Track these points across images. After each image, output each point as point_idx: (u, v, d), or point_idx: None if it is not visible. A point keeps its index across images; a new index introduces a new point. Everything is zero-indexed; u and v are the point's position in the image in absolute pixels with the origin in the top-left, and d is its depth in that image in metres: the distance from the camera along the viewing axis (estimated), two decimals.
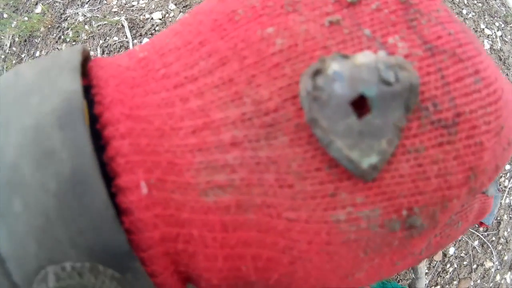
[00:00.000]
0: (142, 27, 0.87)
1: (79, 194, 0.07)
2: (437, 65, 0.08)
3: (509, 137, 0.09)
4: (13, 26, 1.01)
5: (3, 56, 1.01)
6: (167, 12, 0.87)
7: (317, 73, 0.07)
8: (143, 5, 0.88)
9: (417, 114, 0.07)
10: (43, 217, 0.07)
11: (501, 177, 0.79)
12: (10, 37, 1.03)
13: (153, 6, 0.87)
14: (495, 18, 0.88)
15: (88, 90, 0.08)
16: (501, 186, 0.79)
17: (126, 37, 0.87)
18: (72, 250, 0.07)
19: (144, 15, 0.86)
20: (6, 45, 1.02)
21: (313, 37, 0.08)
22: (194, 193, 0.07)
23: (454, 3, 0.86)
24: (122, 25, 0.86)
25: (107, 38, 0.89)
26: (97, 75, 0.08)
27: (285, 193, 0.07)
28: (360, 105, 0.07)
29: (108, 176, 0.07)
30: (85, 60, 0.09)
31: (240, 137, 0.07)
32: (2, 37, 1.03)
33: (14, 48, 1.02)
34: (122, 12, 0.89)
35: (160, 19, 0.86)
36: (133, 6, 0.88)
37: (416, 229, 0.08)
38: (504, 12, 0.89)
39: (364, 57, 0.07)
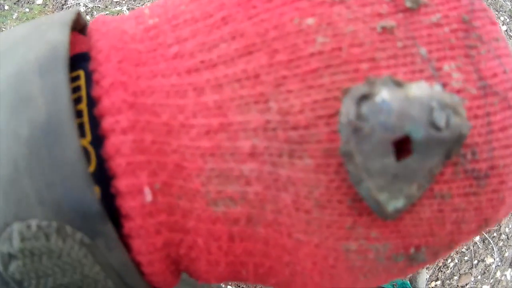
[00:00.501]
0: None
1: (51, 143, 0.06)
2: (487, 108, 0.07)
3: None
4: (14, 17, 1.00)
5: None
6: None
7: (363, 98, 0.06)
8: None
9: (454, 161, 0.07)
10: (12, 166, 0.06)
11: None
12: (11, 28, 1.03)
13: None
14: (501, 12, 0.87)
15: (86, 59, 0.07)
16: None
17: None
18: (39, 206, 0.06)
19: (146, 5, 0.86)
20: None
21: (361, 43, 0.06)
22: (203, 201, 0.07)
23: None
24: None
25: None
26: (97, 45, 0.07)
27: (300, 216, 0.07)
28: (400, 144, 0.06)
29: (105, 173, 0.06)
30: (83, 27, 0.08)
31: (261, 148, 0.07)
32: (3, 29, 1.02)
33: None
34: (123, 2, 0.88)
35: None
36: None
37: (417, 261, 0.08)
38: (510, 7, 0.88)
39: (419, 90, 0.06)
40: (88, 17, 0.90)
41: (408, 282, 0.63)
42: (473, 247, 0.75)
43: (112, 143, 0.06)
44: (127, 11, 0.86)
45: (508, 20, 0.87)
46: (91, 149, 0.06)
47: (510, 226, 0.78)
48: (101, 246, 0.07)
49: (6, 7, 1.05)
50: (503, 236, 0.78)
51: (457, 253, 0.74)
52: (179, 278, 0.09)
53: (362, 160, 0.06)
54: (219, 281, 0.08)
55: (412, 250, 0.08)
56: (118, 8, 0.88)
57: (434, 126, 0.06)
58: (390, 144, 0.06)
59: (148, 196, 0.06)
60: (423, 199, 0.07)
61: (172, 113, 0.07)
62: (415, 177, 0.06)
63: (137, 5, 0.87)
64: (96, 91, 0.07)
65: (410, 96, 0.06)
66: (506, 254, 0.78)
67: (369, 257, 0.08)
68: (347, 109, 0.06)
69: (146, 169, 0.06)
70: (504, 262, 0.78)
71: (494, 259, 0.77)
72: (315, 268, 0.08)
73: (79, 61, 0.07)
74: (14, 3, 1.04)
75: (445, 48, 0.07)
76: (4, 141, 0.06)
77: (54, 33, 0.07)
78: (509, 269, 0.78)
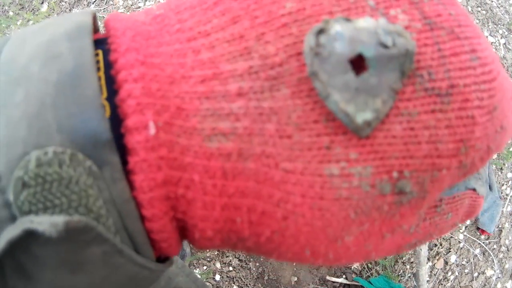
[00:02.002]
0: None
1: (75, 84, 0.07)
2: (435, 39, 0.08)
3: (503, 121, 0.09)
4: (18, 24, 1.01)
5: None
6: None
7: (320, 32, 0.07)
8: (149, 6, 0.88)
9: (412, 80, 0.08)
10: (39, 103, 0.07)
11: (503, 185, 0.79)
12: None
13: None
14: (499, 25, 0.88)
15: (104, 42, 0.09)
16: (503, 194, 0.79)
17: None
18: (57, 135, 0.07)
19: None
20: None
21: (320, 3, 0.08)
22: (199, 138, 0.08)
23: None
24: None
25: None
26: (115, 26, 0.08)
27: (284, 143, 0.08)
28: (358, 65, 0.07)
29: (118, 124, 0.08)
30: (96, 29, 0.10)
31: (246, 88, 0.08)
32: (7, 34, 1.03)
33: None
34: (128, 13, 0.89)
35: None
36: (139, 7, 0.89)
37: (405, 195, 0.08)
38: (508, 20, 0.89)
39: (365, 22, 0.07)
40: None
41: None
42: (473, 259, 0.75)
43: (125, 89, 0.07)
44: None
45: (506, 33, 0.88)
46: (106, 103, 0.08)
47: (510, 238, 0.78)
48: (106, 176, 0.07)
49: (11, 13, 1.06)
50: (503, 248, 0.78)
51: (457, 265, 0.74)
52: (180, 246, 0.09)
53: (326, 77, 0.07)
54: (215, 235, 0.08)
55: (394, 174, 0.08)
56: None
57: (383, 45, 0.07)
58: (347, 62, 0.07)
59: (152, 130, 0.07)
60: (391, 116, 0.08)
61: (174, 68, 0.08)
62: (377, 91, 0.08)
63: None
64: (113, 56, 0.08)
65: (359, 27, 0.07)
66: (507, 266, 0.78)
67: (354, 183, 0.08)
68: (308, 41, 0.07)
69: (152, 109, 0.07)
70: (505, 274, 0.77)
71: (495, 271, 0.77)
72: (304, 202, 0.08)
73: (97, 43, 0.08)
74: (19, 10, 1.05)
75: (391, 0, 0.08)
76: (35, 85, 0.07)
77: (79, 16, 0.09)
78: (510, 281, 0.77)
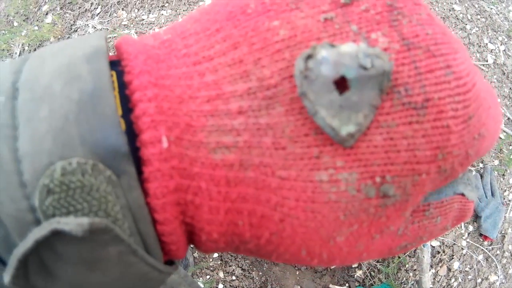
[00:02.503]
0: None
1: (95, 103, 0.08)
2: (412, 58, 0.09)
3: (480, 129, 0.10)
4: (23, 34, 1.02)
5: None
6: None
7: (309, 57, 0.09)
8: (153, 19, 0.89)
9: (390, 96, 0.09)
10: (63, 119, 0.08)
11: (505, 191, 0.79)
12: (20, 45, 1.04)
13: (163, 21, 0.87)
14: (499, 32, 0.89)
15: (116, 64, 0.09)
16: (505, 200, 0.79)
17: None
18: (80, 147, 0.08)
19: (154, 29, 0.87)
20: (16, 53, 1.04)
21: (309, 30, 0.09)
22: (205, 150, 0.09)
23: (458, 18, 0.87)
24: None
25: None
26: (127, 50, 0.09)
27: (279, 154, 0.09)
28: (342, 85, 0.08)
29: (132, 138, 0.08)
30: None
31: (245, 106, 0.09)
32: (12, 45, 1.04)
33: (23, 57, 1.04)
34: (132, 25, 0.90)
35: None
36: (143, 20, 0.90)
37: (389, 198, 0.09)
38: (507, 27, 0.90)
39: (348, 47, 0.08)
40: None
41: None
42: (477, 265, 0.75)
43: (140, 108, 0.08)
44: (135, 34, 0.88)
45: (506, 39, 0.89)
46: (121, 120, 0.09)
47: None
48: (124, 184, 0.08)
49: (16, 24, 1.08)
50: (507, 254, 0.78)
51: (460, 272, 0.74)
52: (186, 250, 0.10)
53: (313, 96, 0.08)
54: (220, 237, 0.09)
55: (377, 179, 0.09)
56: (127, 31, 0.90)
57: (363, 67, 0.08)
58: (332, 83, 0.08)
59: (165, 143, 0.08)
60: (372, 128, 0.09)
61: (183, 89, 0.09)
62: (358, 107, 0.09)
63: (145, 29, 0.88)
64: (127, 77, 0.09)
65: (342, 52, 0.08)
66: (510, 271, 0.78)
67: (341, 187, 0.09)
68: (298, 65, 0.08)
69: (164, 126, 0.08)
70: (508, 279, 0.77)
71: (498, 277, 0.76)
72: (298, 205, 0.09)
73: (111, 65, 0.09)
74: (24, 20, 1.06)
75: (372, 24, 0.09)
76: (58, 102, 0.08)
77: (95, 40, 0.09)
78: None
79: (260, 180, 0.09)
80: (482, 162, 0.80)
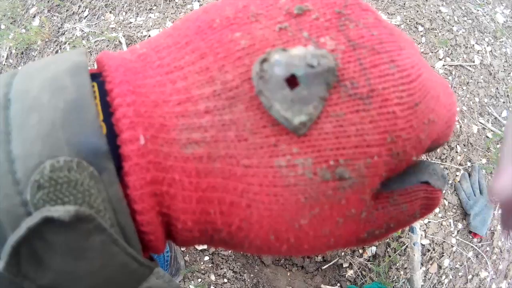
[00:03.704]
0: None
1: (78, 110, 0.09)
2: (357, 56, 0.10)
3: (429, 115, 0.11)
4: (10, 37, 1.00)
5: None
6: None
7: (264, 60, 0.10)
8: (141, 22, 0.88)
9: (337, 89, 0.10)
10: (51, 124, 0.09)
11: None
12: (7, 48, 1.03)
13: (150, 24, 0.87)
14: (485, 34, 0.90)
15: (97, 76, 0.10)
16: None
17: None
18: (66, 148, 0.09)
19: (142, 32, 0.87)
20: (3, 56, 1.02)
21: (266, 39, 0.10)
22: (177, 146, 0.10)
23: (445, 20, 0.88)
24: (120, 42, 0.86)
25: None
26: (108, 63, 0.10)
27: (242, 145, 0.10)
28: (292, 82, 0.10)
29: (113, 138, 0.09)
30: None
31: (211, 107, 0.10)
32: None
33: (10, 60, 1.01)
34: (119, 28, 0.89)
35: None
36: (130, 23, 0.89)
37: (346, 181, 0.10)
38: (494, 28, 0.91)
39: (297, 50, 0.10)
40: (84, 42, 0.91)
41: None
42: (467, 262, 0.76)
43: (120, 111, 0.09)
44: (122, 37, 0.87)
45: (492, 40, 0.90)
46: (102, 124, 0.10)
47: (502, 240, 0.79)
48: (105, 180, 0.09)
49: (3, 27, 1.06)
50: (496, 250, 0.79)
51: (451, 269, 0.75)
52: (165, 244, 0.11)
53: (269, 93, 0.10)
54: (194, 226, 0.10)
55: (331, 163, 0.10)
56: (114, 34, 0.89)
57: (310, 66, 0.09)
58: (284, 81, 0.09)
59: (142, 141, 0.09)
60: (322, 118, 0.10)
61: (157, 95, 0.10)
62: (308, 100, 0.10)
63: (133, 31, 0.88)
64: (109, 86, 0.10)
65: (292, 54, 0.10)
66: (500, 267, 0.79)
67: (299, 172, 0.10)
68: (255, 68, 0.10)
69: (141, 126, 0.09)
70: (499, 275, 0.78)
71: (489, 273, 0.77)
72: (262, 190, 0.10)
73: (92, 77, 0.10)
74: (11, 23, 1.05)
75: (321, 30, 0.10)
76: (46, 110, 0.09)
77: (76, 56, 0.10)
78: (504, 281, 0.78)
79: (227, 170, 0.10)
80: (470, 161, 0.81)
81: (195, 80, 0.10)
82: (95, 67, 0.12)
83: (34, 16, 1.02)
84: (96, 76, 0.10)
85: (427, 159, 0.76)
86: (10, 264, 0.08)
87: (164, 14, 0.88)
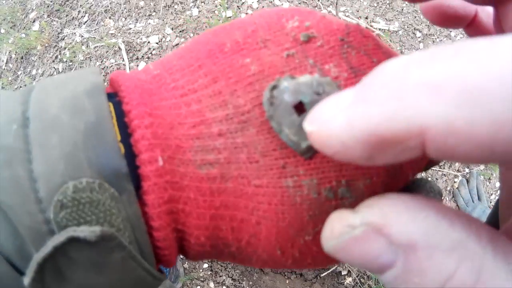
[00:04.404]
0: (139, 50, 0.86)
1: (98, 132, 0.10)
2: (358, 82, 0.11)
3: None
4: (10, 42, 1.00)
5: None
6: (163, 36, 0.86)
7: (274, 87, 0.10)
8: (140, 28, 0.88)
9: None
10: (73, 145, 0.09)
11: (491, 194, 0.81)
12: (7, 53, 1.03)
13: (150, 30, 0.87)
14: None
15: (112, 95, 0.11)
16: (491, 204, 0.80)
17: (123, 60, 0.86)
18: (88, 169, 0.09)
19: (141, 38, 0.86)
20: (2, 60, 1.02)
21: (275, 65, 0.11)
22: (193, 167, 0.10)
23: None
24: (119, 48, 0.86)
25: (104, 60, 0.88)
26: (125, 84, 0.11)
27: (253, 166, 0.10)
28: (300, 108, 0.10)
29: (131, 157, 0.10)
30: None
31: (224, 129, 0.10)
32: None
33: (10, 65, 1.01)
34: (119, 34, 0.89)
35: (156, 43, 0.86)
36: (130, 29, 0.89)
37: (347, 199, 0.11)
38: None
39: (304, 78, 0.10)
40: (83, 47, 0.91)
41: None
42: None
43: (139, 133, 0.10)
44: (122, 43, 0.87)
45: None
46: (120, 145, 0.10)
47: None
48: (125, 200, 0.10)
49: (3, 31, 1.06)
50: None
51: None
52: (176, 257, 0.11)
53: (278, 119, 0.10)
54: (206, 241, 0.11)
55: (334, 183, 0.10)
56: (114, 40, 0.89)
57: (316, 93, 0.10)
58: (292, 107, 0.10)
59: (160, 162, 0.10)
60: None
61: (173, 118, 0.11)
62: None
63: (132, 38, 0.88)
64: (127, 107, 0.10)
65: (299, 82, 0.10)
66: None
67: (304, 191, 0.10)
68: (266, 94, 0.10)
69: (159, 148, 0.10)
70: None
71: None
72: (270, 208, 0.10)
73: (108, 97, 0.11)
74: (11, 27, 1.05)
75: (326, 57, 0.11)
76: (67, 131, 0.10)
77: (92, 77, 0.11)
78: None
79: (239, 189, 0.10)
80: (468, 167, 0.81)
81: (209, 103, 0.11)
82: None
83: (34, 21, 1.02)
84: (111, 96, 0.11)
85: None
86: (35, 279, 0.09)
87: (163, 20, 0.88)
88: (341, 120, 0.07)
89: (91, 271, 0.09)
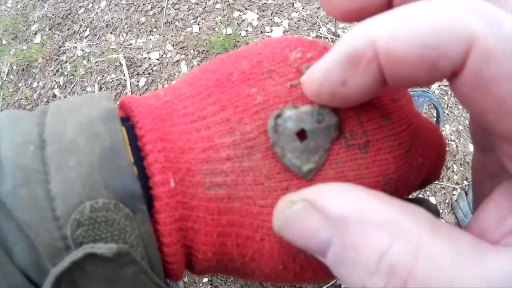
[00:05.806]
0: (140, 66, 0.87)
1: (114, 156, 0.10)
2: (356, 111, 0.12)
3: (418, 159, 0.12)
4: (11, 53, 1.01)
5: (0, 83, 1.01)
6: (164, 53, 0.87)
7: (278, 116, 0.11)
8: (141, 44, 0.88)
9: (339, 140, 0.11)
10: (89, 168, 0.10)
11: None
12: (8, 64, 1.03)
13: (150, 46, 0.87)
14: None
15: (124, 120, 0.12)
16: None
17: (124, 75, 0.87)
18: (104, 191, 0.10)
19: (142, 54, 0.87)
20: (4, 72, 1.02)
21: (279, 95, 0.12)
22: (202, 188, 0.11)
23: None
24: (120, 63, 0.87)
25: (105, 75, 0.89)
26: (138, 110, 0.12)
27: (258, 188, 0.11)
28: (302, 135, 0.11)
29: (144, 178, 0.11)
30: None
31: (232, 154, 0.11)
32: (0, 63, 1.03)
33: (11, 76, 1.02)
34: (120, 49, 0.89)
35: (157, 59, 0.86)
36: (131, 44, 0.89)
37: None
38: None
39: (306, 108, 0.11)
40: (84, 62, 0.92)
41: None
42: None
43: (152, 157, 0.11)
44: (123, 59, 0.88)
45: None
46: (134, 167, 0.11)
47: None
48: (138, 219, 0.10)
49: (4, 42, 1.07)
50: None
51: None
52: (183, 272, 0.12)
53: (282, 144, 0.11)
54: (213, 256, 0.11)
55: None
56: (115, 55, 0.89)
57: (317, 121, 0.11)
58: (295, 134, 0.11)
59: (172, 184, 0.10)
60: (326, 165, 0.11)
61: (183, 143, 0.11)
62: (315, 151, 0.11)
63: (133, 53, 0.88)
64: (140, 132, 0.11)
65: (302, 111, 0.11)
66: None
67: None
68: (270, 122, 0.11)
69: (171, 171, 0.11)
70: None
71: None
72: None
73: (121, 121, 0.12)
74: (12, 39, 1.05)
75: None
76: (83, 155, 0.10)
77: (106, 102, 0.12)
78: None
79: (244, 209, 0.11)
80: (466, 180, 0.82)
81: (217, 130, 0.11)
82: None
83: (36, 33, 1.03)
84: (123, 120, 0.12)
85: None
86: None
87: (164, 36, 0.89)
88: (321, 63, 0.10)
89: (105, 284, 0.10)
